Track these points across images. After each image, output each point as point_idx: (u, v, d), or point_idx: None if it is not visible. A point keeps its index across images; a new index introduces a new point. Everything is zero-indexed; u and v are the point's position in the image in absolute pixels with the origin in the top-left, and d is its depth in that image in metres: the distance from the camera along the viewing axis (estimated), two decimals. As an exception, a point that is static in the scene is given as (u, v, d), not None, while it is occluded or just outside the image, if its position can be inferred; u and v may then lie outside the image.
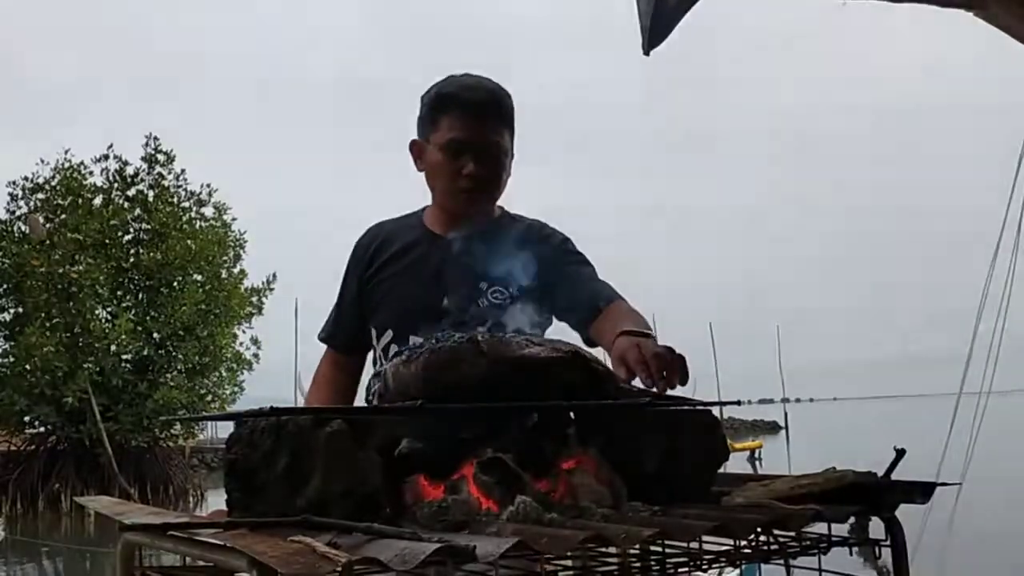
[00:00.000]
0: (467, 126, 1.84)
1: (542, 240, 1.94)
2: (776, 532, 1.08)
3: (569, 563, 0.99)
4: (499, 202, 1.99)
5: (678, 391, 1.38)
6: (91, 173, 21.68)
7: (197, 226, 21.97)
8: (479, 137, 1.85)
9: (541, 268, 1.84)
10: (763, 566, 1.15)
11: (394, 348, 1.86)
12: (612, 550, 1.03)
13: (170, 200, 21.76)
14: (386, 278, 1.95)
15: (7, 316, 21.42)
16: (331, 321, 2.09)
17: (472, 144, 1.84)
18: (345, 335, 2.04)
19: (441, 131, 1.86)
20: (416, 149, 1.94)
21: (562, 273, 1.89)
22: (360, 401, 1.90)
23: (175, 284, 21.36)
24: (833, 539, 1.12)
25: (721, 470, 1.34)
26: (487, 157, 1.86)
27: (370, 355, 2.01)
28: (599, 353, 1.47)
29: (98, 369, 20.10)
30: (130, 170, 21.82)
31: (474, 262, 1.87)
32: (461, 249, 1.90)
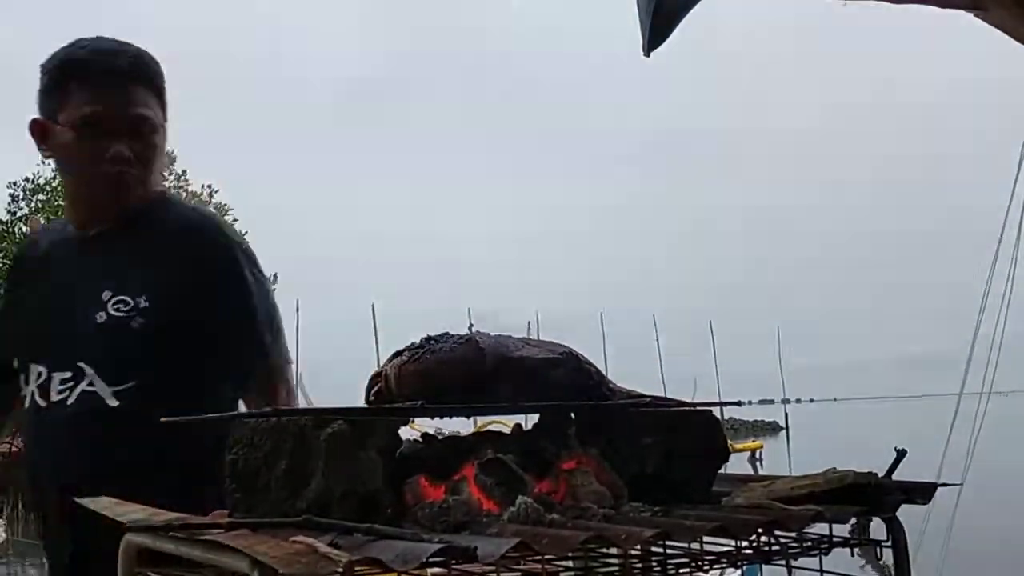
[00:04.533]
0: (106, 98, 1.49)
1: (211, 245, 1.56)
2: (777, 533, 1.09)
3: (570, 564, 1.00)
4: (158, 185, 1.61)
5: (676, 395, 1.38)
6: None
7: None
8: (123, 111, 1.50)
9: (198, 286, 1.50)
10: (764, 567, 1.15)
11: (59, 386, 1.46)
12: (613, 551, 1.03)
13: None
14: (21, 299, 1.59)
15: (7, 317, 21.46)
16: None
17: (115, 120, 1.50)
18: None
19: (72, 106, 1.50)
20: (39, 129, 1.55)
21: (225, 315, 1.53)
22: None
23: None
24: (834, 540, 1.12)
25: (721, 471, 1.34)
26: (135, 135, 1.51)
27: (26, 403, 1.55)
28: None
29: (99, 370, 20.13)
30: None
31: (101, 262, 1.52)
32: (95, 247, 1.55)
